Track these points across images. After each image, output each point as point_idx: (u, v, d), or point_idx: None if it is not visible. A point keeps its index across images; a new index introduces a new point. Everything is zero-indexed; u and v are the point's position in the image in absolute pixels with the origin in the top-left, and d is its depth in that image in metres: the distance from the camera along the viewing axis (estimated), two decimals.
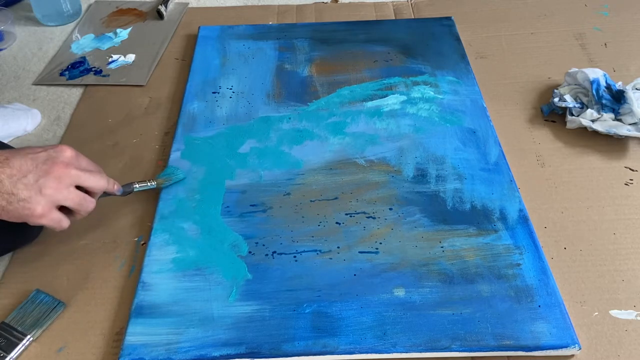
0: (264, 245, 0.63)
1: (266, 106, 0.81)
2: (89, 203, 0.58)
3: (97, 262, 0.63)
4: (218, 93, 0.83)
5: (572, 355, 0.54)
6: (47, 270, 0.62)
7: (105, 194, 0.62)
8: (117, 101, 0.85)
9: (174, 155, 0.74)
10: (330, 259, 0.62)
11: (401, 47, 0.90)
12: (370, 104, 0.80)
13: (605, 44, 0.91)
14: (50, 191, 0.53)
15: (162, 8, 1.01)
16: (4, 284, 0.62)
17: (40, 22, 1.02)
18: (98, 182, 0.58)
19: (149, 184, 0.67)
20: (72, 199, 0.56)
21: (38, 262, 0.63)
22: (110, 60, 0.92)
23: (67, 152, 0.56)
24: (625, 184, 0.70)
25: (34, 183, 0.52)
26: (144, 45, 0.95)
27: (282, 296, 0.58)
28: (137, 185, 0.66)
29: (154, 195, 0.70)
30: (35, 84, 0.89)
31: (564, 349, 0.53)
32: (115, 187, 0.62)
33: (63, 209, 0.56)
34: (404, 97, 0.81)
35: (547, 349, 0.53)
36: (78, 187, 0.56)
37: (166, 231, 0.65)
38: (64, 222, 0.57)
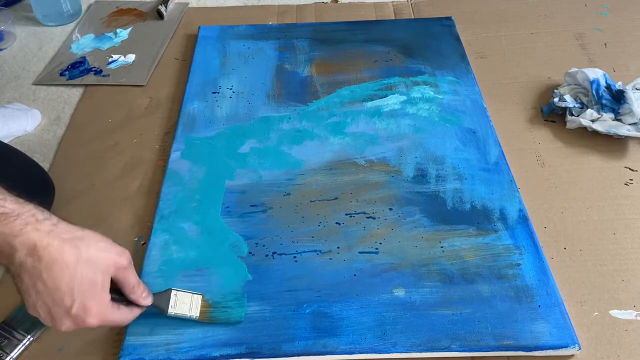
0: (264, 245, 0.63)
1: (266, 106, 0.81)
2: (121, 323, 0.52)
3: None
4: (218, 93, 0.83)
5: (572, 355, 0.54)
6: None
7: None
8: (117, 101, 0.85)
9: (174, 155, 0.74)
10: (330, 259, 0.62)
11: (401, 47, 0.90)
12: (370, 104, 0.80)
13: (605, 44, 0.91)
14: (73, 327, 0.48)
15: (162, 8, 1.01)
16: (4, 284, 0.62)
17: (40, 22, 1.02)
18: (120, 322, 0.52)
19: (189, 315, 0.55)
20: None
21: None
22: (110, 60, 0.92)
23: (86, 322, 0.48)
24: (625, 184, 0.70)
25: (42, 316, 0.47)
26: (144, 45, 0.95)
27: (282, 296, 0.58)
28: (173, 311, 0.55)
29: (154, 195, 0.70)
30: (35, 84, 0.89)
31: (564, 349, 0.53)
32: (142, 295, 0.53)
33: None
34: (404, 97, 0.81)
35: (547, 349, 0.53)
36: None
37: (166, 231, 0.65)
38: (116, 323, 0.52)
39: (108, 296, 0.49)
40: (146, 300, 0.53)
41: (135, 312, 0.53)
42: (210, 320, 0.56)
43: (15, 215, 0.45)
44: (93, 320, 0.48)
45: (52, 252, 0.45)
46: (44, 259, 0.45)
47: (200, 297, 0.56)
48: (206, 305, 0.56)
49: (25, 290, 0.46)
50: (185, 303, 0.55)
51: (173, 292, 0.55)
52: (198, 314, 0.55)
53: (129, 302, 0.52)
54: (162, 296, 0.55)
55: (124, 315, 0.51)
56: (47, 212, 0.48)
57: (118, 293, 0.51)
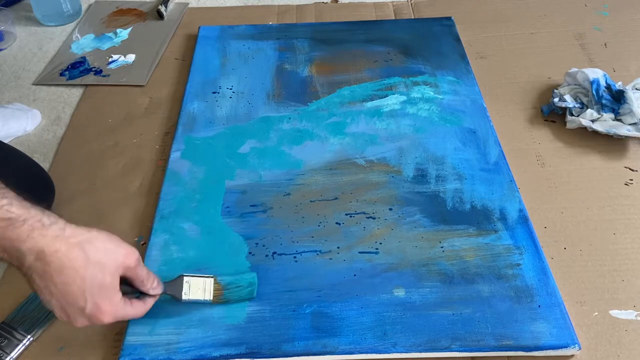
0: (264, 245, 0.63)
1: (266, 106, 0.81)
2: (135, 316, 0.53)
3: None
4: (218, 93, 0.83)
5: (572, 355, 0.54)
6: None
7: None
8: (117, 101, 0.85)
9: (174, 155, 0.74)
10: (330, 259, 0.62)
11: (401, 47, 0.90)
12: (370, 104, 0.80)
13: (605, 44, 0.91)
14: (86, 324, 0.49)
15: (162, 8, 1.01)
16: (4, 284, 0.62)
17: (40, 22, 1.02)
18: (134, 316, 0.53)
19: (203, 298, 0.56)
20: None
21: None
22: (110, 60, 0.92)
23: (100, 320, 0.49)
24: (625, 184, 0.70)
25: (58, 313, 0.48)
26: (144, 45, 0.95)
27: (282, 296, 0.58)
28: (188, 297, 0.55)
29: (154, 195, 0.70)
30: (35, 84, 0.89)
31: (564, 349, 0.53)
32: (154, 285, 0.54)
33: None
34: (404, 97, 0.81)
35: (547, 349, 0.53)
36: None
37: (166, 231, 0.65)
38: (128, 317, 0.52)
39: (119, 294, 0.50)
40: (157, 290, 0.54)
41: (148, 303, 0.54)
42: (223, 302, 0.56)
43: (22, 220, 0.46)
44: (107, 317, 0.49)
45: (60, 257, 0.46)
46: (52, 264, 0.46)
47: (212, 279, 0.57)
48: (219, 288, 0.56)
49: (38, 289, 0.47)
50: (198, 288, 0.56)
51: (185, 279, 0.55)
52: (212, 297, 0.56)
53: (142, 293, 0.53)
54: (174, 284, 0.55)
55: (136, 309, 0.52)
56: (54, 215, 0.48)
57: (130, 285, 0.52)
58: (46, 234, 0.46)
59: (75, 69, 0.91)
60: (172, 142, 0.76)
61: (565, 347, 0.53)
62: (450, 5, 1.01)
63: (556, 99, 0.78)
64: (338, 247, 0.63)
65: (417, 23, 0.96)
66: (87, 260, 0.47)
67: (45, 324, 0.57)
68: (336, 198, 0.68)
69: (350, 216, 0.66)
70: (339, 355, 0.54)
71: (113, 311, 0.49)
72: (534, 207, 0.67)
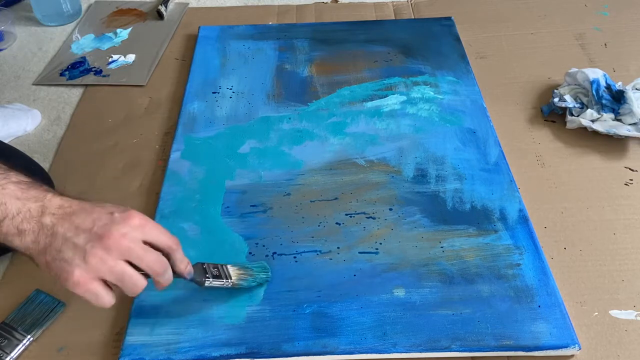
0: (264, 245, 0.63)
1: (266, 106, 0.81)
2: (134, 283, 0.48)
3: None
4: (218, 93, 0.83)
5: (572, 355, 0.54)
6: None
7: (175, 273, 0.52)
8: (117, 101, 0.85)
9: (174, 155, 0.74)
10: (330, 259, 0.62)
11: (401, 47, 0.90)
12: (370, 104, 0.80)
13: (605, 44, 0.91)
14: (94, 260, 0.46)
15: (162, 8, 1.01)
16: (4, 284, 0.62)
17: (40, 22, 1.02)
18: (151, 263, 0.49)
19: (225, 282, 0.55)
20: (115, 273, 0.47)
21: None
22: (110, 60, 0.92)
23: (133, 221, 0.48)
24: (625, 184, 0.70)
25: (82, 245, 0.46)
26: (144, 45, 0.95)
27: (282, 296, 0.58)
28: (210, 281, 0.54)
29: (154, 195, 0.70)
30: (35, 84, 0.89)
31: (564, 349, 0.53)
32: (186, 269, 0.52)
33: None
34: (404, 97, 0.81)
35: (547, 349, 0.53)
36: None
37: None
38: (103, 299, 0.48)
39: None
40: (190, 273, 0.53)
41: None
42: (241, 286, 0.57)
43: (39, 183, 0.50)
44: (137, 218, 0.49)
45: (79, 202, 0.49)
46: (73, 205, 0.49)
47: (229, 265, 0.57)
48: (236, 273, 0.57)
49: (62, 239, 0.47)
50: (217, 273, 0.55)
51: (205, 265, 0.55)
52: (232, 281, 0.56)
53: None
54: (195, 270, 0.54)
55: (165, 236, 0.51)
56: None
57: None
58: (63, 192, 0.50)
59: (75, 69, 0.91)
60: (172, 142, 0.76)
61: (565, 347, 0.53)
62: (450, 5, 1.01)
63: (556, 99, 0.78)
64: (338, 247, 0.63)
65: (417, 23, 0.96)
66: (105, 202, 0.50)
67: (45, 324, 0.57)
68: (336, 198, 0.68)
69: (350, 216, 0.66)
70: (339, 355, 0.54)
71: (141, 215, 0.49)
72: (534, 207, 0.67)
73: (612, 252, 0.62)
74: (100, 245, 0.47)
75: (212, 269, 0.55)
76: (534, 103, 0.82)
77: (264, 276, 0.59)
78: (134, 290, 0.49)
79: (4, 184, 0.49)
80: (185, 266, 0.52)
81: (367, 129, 0.77)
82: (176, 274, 0.52)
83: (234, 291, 0.58)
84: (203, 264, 0.55)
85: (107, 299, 0.48)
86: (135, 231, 0.48)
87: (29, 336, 0.56)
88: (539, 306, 0.56)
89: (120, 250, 0.47)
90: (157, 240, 0.50)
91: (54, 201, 0.48)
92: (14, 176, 0.50)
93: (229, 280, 0.55)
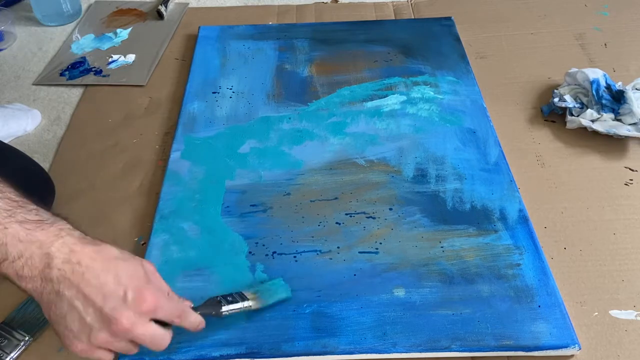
0: (264, 245, 0.63)
1: (266, 106, 0.81)
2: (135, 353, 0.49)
3: None
4: (218, 93, 0.83)
5: (572, 355, 0.54)
6: None
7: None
8: (117, 101, 0.85)
9: (174, 155, 0.74)
10: (330, 259, 0.62)
11: (401, 47, 0.90)
12: (370, 104, 0.81)
13: (605, 44, 0.91)
14: (101, 341, 0.45)
15: (162, 8, 1.02)
16: (4, 283, 0.61)
17: (40, 22, 1.02)
18: (157, 343, 0.48)
19: (243, 305, 0.54)
20: (119, 350, 0.47)
21: None
22: (110, 60, 0.92)
23: (146, 305, 0.46)
24: (625, 184, 0.70)
25: (89, 324, 0.44)
26: (144, 45, 0.95)
27: None
28: (228, 308, 0.53)
29: (154, 195, 0.70)
30: (35, 84, 0.89)
31: (564, 349, 0.53)
32: (198, 327, 0.51)
33: None
34: (404, 97, 0.81)
35: (547, 349, 0.53)
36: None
37: (166, 231, 0.65)
38: (108, 358, 0.47)
39: (163, 284, 0.48)
40: (201, 324, 0.52)
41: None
42: (264, 304, 0.56)
43: (50, 222, 0.45)
44: (150, 302, 0.45)
45: (90, 254, 0.45)
46: (83, 262, 0.44)
47: (244, 291, 0.55)
48: (252, 294, 0.56)
49: (68, 306, 0.44)
50: (232, 299, 0.54)
51: (218, 298, 0.54)
52: (252, 302, 0.55)
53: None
54: (207, 305, 0.53)
55: (175, 306, 0.49)
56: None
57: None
58: (73, 234, 0.45)
59: (75, 69, 0.91)
60: (172, 142, 0.76)
61: (565, 347, 0.53)
62: (450, 5, 1.01)
63: (556, 99, 0.78)
64: (338, 247, 0.63)
65: (417, 23, 0.96)
66: (119, 253, 0.46)
67: (45, 324, 0.57)
68: (336, 198, 0.68)
69: (350, 216, 0.66)
70: (339, 355, 0.54)
71: (156, 295, 0.46)
72: (534, 207, 0.67)
73: (612, 252, 0.62)
74: (108, 330, 0.45)
75: (227, 298, 0.54)
76: (534, 103, 0.82)
77: (284, 292, 0.58)
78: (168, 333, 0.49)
79: (7, 223, 0.44)
80: (197, 327, 0.51)
81: (367, 129, 0.77)
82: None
83: None
84: (216, 297, 0.54)
85: (110, 357, 0.48)
86: (146, 316, 0.46)
87: (28, 336, 0.56)
88: (539, 306, 0.56)
89: (126, 337, 0.46)
90: (167, 319, 0.48)
91: (62, 251, 0.44)
92: (21, 213, 0.45)
93: (247, 301, 0.54)
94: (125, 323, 0.45)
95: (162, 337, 0.48)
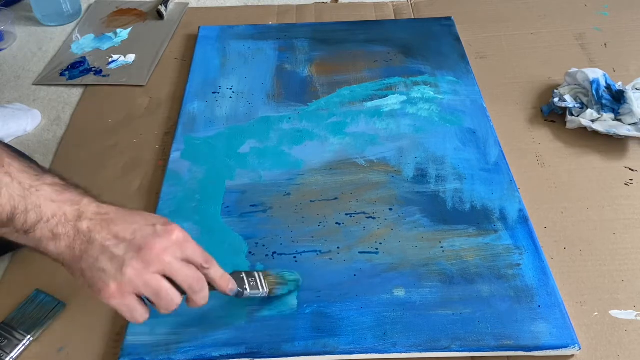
0: (264, 245, 0.63)
1: (266, 106, 0.81)
2: (171, 299, 0.47)
3: None
4: (218, 93, 0.83)
5: (572, 355, 0.54)
6: (47, 270, 0.62)
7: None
8: (117, 101, 0.85)
9: (174, 155, 0.74)
10: (330, 259, 0.62)
11: (401, 47, 0.90)
12: (370, 104, 0.81)
13: (605, 44, 0.91)
14: (132, 273, 0.45)
15: (162, 8, 1.02)
16: (4, 284, 0.62)
17: (40, 22, 1.02)
18: (190, 279, 0.48)
19: (260, 290, 0.54)
20: (152, 287, 0.46)
21: (38, 262, 0.63)
22: (110, 60, 0.92)
23: (175, 235, 0.47)
24: (625, 184, 0.70)
25: (121, 256, 0.45)
26: (144, 45, 0.95)
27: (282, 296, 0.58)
28: (248, 292, 0.53)
29: (154, 195, 0.70)
30: (35, 84, 0.89)
31: (564, 349, 0.53)
32: (228, 286, 0.51)
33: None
34: (404, 97, 0.81)
35: (547, 349, 0.53)
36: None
37: None
38: (137, 313, 0.47)
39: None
40: (232, 285, 0.51)
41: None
42: (274, 293, 0.56)
43: (74, 186, 0.49)
44: (179, 234, 0.48)
45: (115, 208, 0.48)
46: (111, 212, 0.48)
47: (261, 272, 0.55)
48: (270, 280, 0.55)
49: (100, 248, 0.45)
50: (254, 282, 0.54)
51: (242, 275, 0.53)
52: (267, 290, 0.55)
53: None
54: (234, 278, 0.52)
55: (203, 250, 0.50)
56: None
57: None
58: (98, 197, 0.49)
59: (75, 69, 0.91)
60: (172, 142, 0.76)
61: (565, 347, 0.53)
62: (450, 5, 1.01)
63: (556, 99, 0.78)
64: (338, 247, 0.63)
65: (417, 23, 0.96)
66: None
67: (45, 324, 0.57)
68: (336, 198, 0.68)
69: (350, 216, 0.66)
70: (339, 355, 0.54)
71: (184, 234, 0.48)
72: (534, 207, 0.67)
73: (612, 252, 0.62)
74: (140, 258, 0.45)
75: (249, 279, 0.53)
76: (534, 103, 0.82)
77: (294, 281, 0.58)
78: (168, 307, 0.48)
79: (38, 186, 0.46)
80: (227, 284, 0.51)
81: (367, 129, 0.77)
82: (213, 289, 0.51)
83: None
84: (240, 272, 0.54)
85: (141, 313, 0.48)
86: (176, 246, 0.47)
87: (29, 336, 0.56)
88: (539, 306, 0.56)
89: (159, 265, 0.46)
90: (195, 258, 0.49)
91: (90, 206, 0.47)
92: (49, 178, 0.48)
93: (265, 290, 0.54)
94: (157, 247, 0.46)
95: (176, 294, 0.48)
